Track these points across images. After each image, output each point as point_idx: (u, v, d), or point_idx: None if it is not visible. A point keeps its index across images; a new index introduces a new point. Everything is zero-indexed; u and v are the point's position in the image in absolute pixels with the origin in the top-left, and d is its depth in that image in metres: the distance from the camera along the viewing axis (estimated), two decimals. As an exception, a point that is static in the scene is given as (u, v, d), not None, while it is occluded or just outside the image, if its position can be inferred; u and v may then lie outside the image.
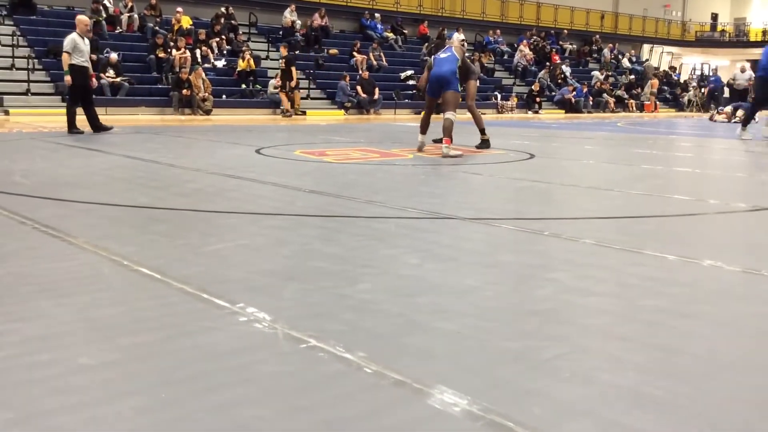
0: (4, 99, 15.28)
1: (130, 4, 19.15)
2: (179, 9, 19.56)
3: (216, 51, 19.61)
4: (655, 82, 29.91)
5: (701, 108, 29.79)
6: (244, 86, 18.86)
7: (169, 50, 18.05)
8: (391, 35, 24.88)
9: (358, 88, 20.12)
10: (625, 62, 31.91)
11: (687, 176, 7.25)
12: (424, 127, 8.94)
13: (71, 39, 10.61)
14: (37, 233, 3.64)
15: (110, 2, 18.89)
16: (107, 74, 16.47)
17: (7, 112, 14.74)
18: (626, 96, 28.51)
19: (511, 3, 30.63)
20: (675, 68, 35.47)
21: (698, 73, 37.91)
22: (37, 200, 4.64)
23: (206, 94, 17.17)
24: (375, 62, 22.32)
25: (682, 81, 33.59)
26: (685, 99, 31.25)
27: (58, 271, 2.90)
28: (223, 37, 20.13)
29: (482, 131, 9.40)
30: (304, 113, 18.58)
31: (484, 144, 9.34)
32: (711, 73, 29.06)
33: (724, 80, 28.63)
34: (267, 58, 20.89)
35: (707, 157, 9.84)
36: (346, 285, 2.80)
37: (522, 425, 1.66)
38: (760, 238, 4.00)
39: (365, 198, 4.97)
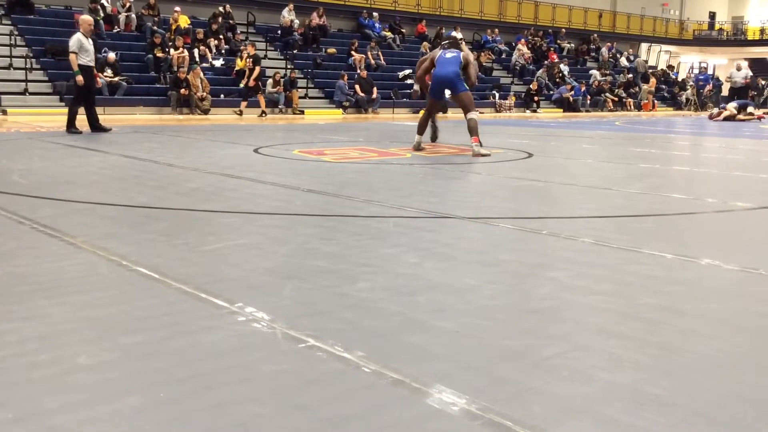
0: (1, 99, 15.26)
1: (127, 4, 19.12)
2: (177, 8, 19.54)
3: (214, 50, 19.59)
4: (653, 81, 29.93)
5: (699, 107, 29.82)
6: (242, 85, 18.83)
7: (167, 50, 18.04)
8: (389, 34, 24.87)
9: (357, 87, 20.11)
10: (623, 61, 31.93)
11: (685, 175, 7.26)
12: (422, 128, 8.89)
13: (77, 39, 10.59)
14: (35, 233, 3.64)
15: (108, 1, 18.85)
16: (105, 74, 16.46)
17: (4, 112, 14.72)
18: (624, 95, 28.52)
19: (509, 2, 30.63)
20: (673, 67, 35.47)
21: (696, 71, 37.93)
22: (35, 200, 4.64)
23: (204, 93, 17.16)
24: (373, 61, 22.31)
25: (680, 80, 33.60)
26: (683, 98, 31.26)
27: (57, 271, 2.90)
28: (221, 36, 20.11)
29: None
30: (302, 112, 18.57)
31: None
32: (700, 71, 29.04)
33: (721, 79, 28.71)
34: (265, 57, 20.87)
35: (705, 156, 9.85)
36: (345, 284, 2.80)
37: (521, 424, 1.66)
38: (758, 237, 4.00)
39: (364, 197, 4.97)
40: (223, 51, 19.90)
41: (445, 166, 7.22)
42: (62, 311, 2.42)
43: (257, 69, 17.85)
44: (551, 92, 26.15)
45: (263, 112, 17.60)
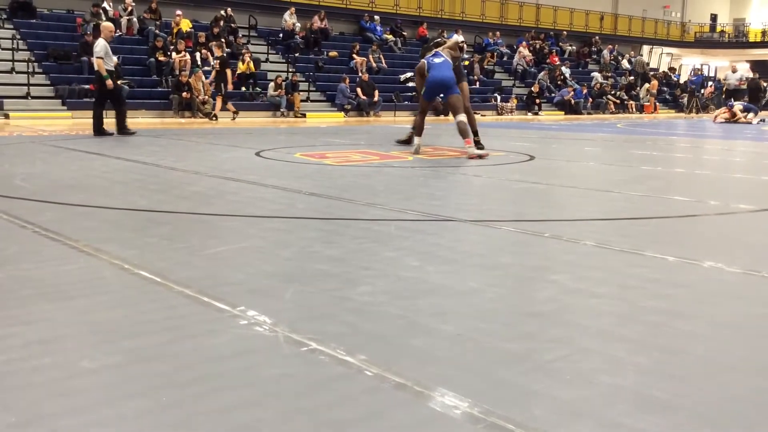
0: (4, 102, 15.28)
1: (129, 8, 19.16)
2: (179, 12, 19.58)
3: (216, 54, 19.60)
4: (655, 83, 29.90)
5: (691, 109, 29.75)
6: (243, 89, 18.87)
7: (168, 53, 18.07)
8: (390, 37, 24.89)
9: (358, 90, 20.13)
10: (625, 63, 31.93)
11: (687, 177, 7.25)
12: (420, 129, 8.99)
13: (104, 45, 10.67)
14: (37, 237, 3.65)
15: (110, 5, 18.90)
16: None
17: (7, 116, 14.74)
18: (626, 97, 28.51)
19: (511, 4, 30.65)
20: (674, 69, 35.46)
21: (689, 73, 37.89)
22: (37, 204, 4.64)
23: (206, 97, 17.17)
24: (374, 64, 22.33)
25: (681, 82, 33.57)
26: (685, 100, 31.23)
27: (59, 275, 2.91)
28: (223, 39, 20.14)
29: (475, 133, 9.46)
30: (304, 116, 18.59)
31: (477, 146, 9.43)
32: (692, 74, 29.03)
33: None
34: (267, 60, 20.91)
35: (707, 158, 9.84)
36: (347, 287, 2.80)
37: (523, 427, 1.66)
38: (761, 239, 4.00)
39: (365, 200, 4.98)
40: (224, 54, 19.90)
41: (446, 169, 7.22)
42: (65, 315, 2.42)
43: (228, 71, 17.31)
44: (553, 95, 26.14)
45: (214, 115, 16.71)
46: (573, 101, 25.54)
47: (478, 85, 23.61)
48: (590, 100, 26.51)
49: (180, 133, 12.01)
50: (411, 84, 21.97)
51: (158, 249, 3.43)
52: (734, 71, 26.30)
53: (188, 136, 11.30)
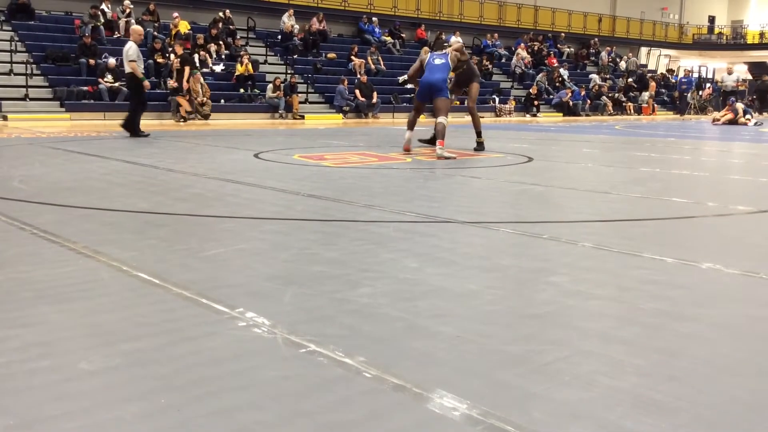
0: (2, 104, 15.28)
1: (128, 10, 19.16)
2: (176, 14, 19.59)
3: (214, 55, 19.62)
4: (653, 85, 29.94)
5: (699, 111, 29.81)
6: (242, 90, 18.87)
7: (167, 55, 18.06)
8: (389, 39, 24.92)
9: (357, 92, 20.14)
10: (623, 65, 31.97)
11: (685, 179, 7.25)
12: (412, 124, 9.25)
13: (135, 48, 10.72)
14: (36, 239, 3.64)
15: (108, 7, 18.91)
16: (105, 79, 16.48)
17: (5, 118, 14.74)
18: (624, 99, 28.54)
19: (509, 6, 30.68)
20: (672, 71, 35.50)
21: (695, 75, 37.95)
22: (36, 206, 4.64)
23: (205, 98, 17.17)
24: (373, 66, 22.36)
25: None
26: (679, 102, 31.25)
27: (58, 277, 2.90)
28: (221, 41, 20.15)
29: (478, 134, 9.54)
30: (302, 117, 18.59)
31: (479, 146, 9.49)
32: (683, 75, 29.13)
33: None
34: (265, 62, 20.91)
35: (705, 160, 9.84)
36: (346, 289, 2.80)
37: (522, 429, 1.66)
38: (759, 241, 4.00)
39: (364, 202, 4.98)
40: (223, 56, 19.93)
41: (445, 171, 7.22)
42: (63, 317, 2.42)
43: (186, 69, 16.84)
44: (551, 96, 26.18)
45: (183, 117, 16.40)
46: (571, 103, 25.58)
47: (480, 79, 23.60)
48: (588, 101, 26.54)
49: (178, 135, 12.00)
50: (409, 86, 21.98)
51: (157, 251, 3.42)
52: (730, 73, 26.36)
53: (187, 138, 11.30)
